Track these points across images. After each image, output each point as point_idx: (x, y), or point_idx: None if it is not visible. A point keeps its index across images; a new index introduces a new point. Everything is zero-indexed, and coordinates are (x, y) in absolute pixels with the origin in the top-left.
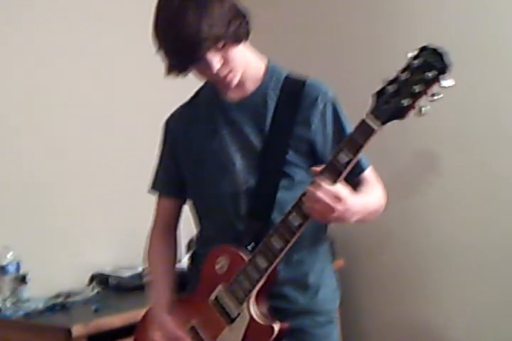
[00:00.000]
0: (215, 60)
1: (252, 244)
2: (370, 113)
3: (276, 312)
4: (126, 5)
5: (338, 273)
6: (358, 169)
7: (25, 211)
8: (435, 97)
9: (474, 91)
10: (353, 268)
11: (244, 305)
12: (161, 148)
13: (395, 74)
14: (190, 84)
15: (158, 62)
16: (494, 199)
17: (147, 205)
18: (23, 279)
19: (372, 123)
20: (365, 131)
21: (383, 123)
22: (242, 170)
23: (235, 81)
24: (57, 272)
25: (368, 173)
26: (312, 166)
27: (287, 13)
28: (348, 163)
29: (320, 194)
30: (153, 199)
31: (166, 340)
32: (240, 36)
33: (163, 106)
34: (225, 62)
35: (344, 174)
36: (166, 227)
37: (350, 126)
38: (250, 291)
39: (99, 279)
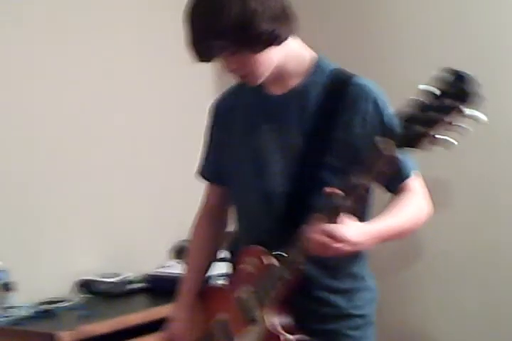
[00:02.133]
0: (226, 64)
1: (280, 251)
2: (382, 138)
3: (315, 316)
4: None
5: None
6: (399, 175)
7: (10, 219)
8: (460, 128)
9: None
10: None
11: (265, 310)
12: (210, 133)
13: (417, 98)
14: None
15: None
16: (485, 205)
17: (132, 212)
18: (10, 286)
19: (385, 149)
20: (377, 157)
21: (394, 150)
22: (280, 171)
23: (256, 82)
24: (42, 279)
25: (411, 182)
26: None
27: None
28: (357, 186)
29: (315, 235)
30: (138, 205)
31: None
32: (261, 45)
33: (161, 110)
34: (241, 65)
35: (350, 206)
36: (212, 215)
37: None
38: (269, 298)
39: (85, 286)
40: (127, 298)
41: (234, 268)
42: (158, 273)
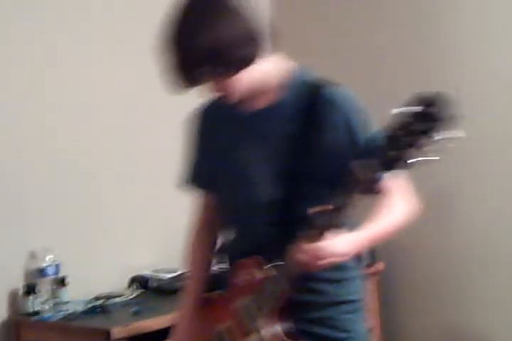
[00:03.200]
0: (204, 88)
1: (276, 262)
2: (358, 160)
3: (307, 306)
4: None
5: (377, 277)
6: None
7: (65, 213)
8: (443, 147)
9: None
10: (393, 272)
11: (258, 322)
12: (194, 142)
13: (389, 122)
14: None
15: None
16: None
17: (187, 207)
18: (62, 281)
19: (360, 172)
20: (353, 179)
21: (369, 174)
22: (263, 183)
23: (233, 101)
24: (96, 274)
25: (394, 182)
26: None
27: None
28: (341, 207)
29: (298, 256)
30: (192, 201)
31: None
32: (236, 67)
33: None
34: (220, 87)
35: (331, 224)
36: (208, 221)
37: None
38: (264, 309)
39: (139, 281)
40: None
41: (228, 278)
42: (213, 271)
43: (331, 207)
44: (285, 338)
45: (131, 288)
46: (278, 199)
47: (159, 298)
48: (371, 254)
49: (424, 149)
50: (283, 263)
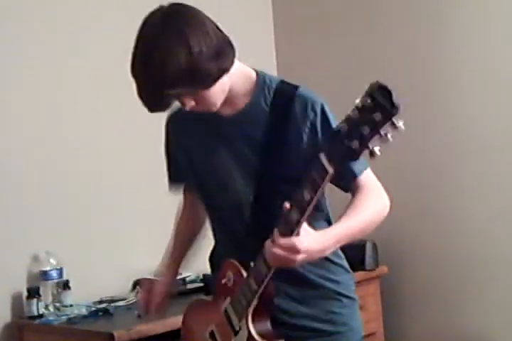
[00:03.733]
0: (184, 104)
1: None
2: (324, 153)
3: (309, 299)
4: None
5: (381, 281)
6: (350, 175)
7: (68, 217)
8: (387, 137)
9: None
10: (396, 275)
11: (243, 321)
12: (166, 146)
13: (348, 112)
14: None
15: None
16: None
17: None
18: (65, 285)
19: (326, 164)
20: (320, 172)
21: (335, 165)
22: (242, 184)
23: (213, 110)
24: (100, 278)
25: (364, 179)
26: None
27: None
28: (309, 201)
29: (275, 250)
30: None
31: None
32: (208, 82)
33: None
34: (198, 101)
35: (303, 219)
36: (193, 205)
37: None
38: (247, 309)
39: None
40: (185, 298)
41: (216, 280)
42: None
43: (303, 202)
44: (259, 339)
45: (134, 292)
46: (253, 201)
47: None
48: (374, 258)
49: (385, 137)
50: (260, 258)
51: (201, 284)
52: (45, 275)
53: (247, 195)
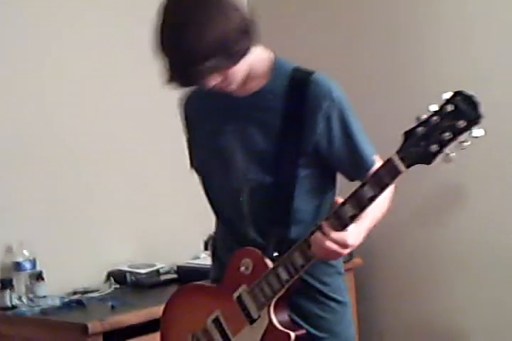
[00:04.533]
0: (210, 81)
1: (276, 253)
2: (397, 153)
3: (295, 299)
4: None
5: (354, 272)
6: (365, 166)
7: (41, 207)
8: (464, 144)
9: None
10: (370, 266)
11: (265, 309)
12: (185, 130)
13: (426, 115)
14: None
15: None
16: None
17: (164, 203)
18: (39, 276)
19: (399, 164)
20: (390, 171)
21: (408, 166)
22: (244, 167)
23: (233, 88)
24: (74, 269)
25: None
26: (323, 168)
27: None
28: (372, 198)
29: (328, 243)
30: (171, 195)
31: None
32: (237, 58)
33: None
34: (221, 79)
35: (360, 215)
36: None
37: (357, 129)
38: (272, 298)
39: (117, 276)
40: (159, 289)
41: (223, 267)
42: (190, 265)
43: (364, 198)
44: (281, 328)
45: (108, 283)
46: (261, 185)
47: (136, 293)
48: None
49: (461, 144)
50: (296, 248)
51: (175, 275)
52: (18, 266)
53: (249, 180)
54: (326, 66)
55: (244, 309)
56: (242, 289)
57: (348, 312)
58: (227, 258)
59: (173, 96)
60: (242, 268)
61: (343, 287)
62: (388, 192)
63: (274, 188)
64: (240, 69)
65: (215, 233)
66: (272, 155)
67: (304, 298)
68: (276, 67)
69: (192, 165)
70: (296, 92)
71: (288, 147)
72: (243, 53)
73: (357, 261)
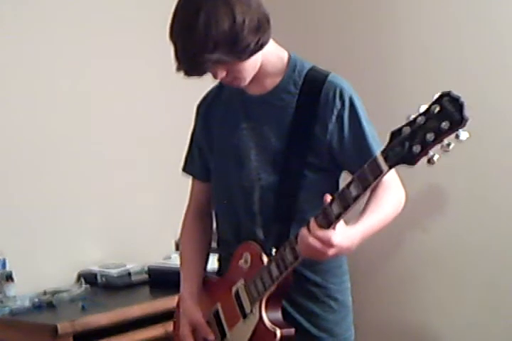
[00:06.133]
0: (216, 74)
1: (273, 249)
2: (381, 153)
3: (295, 296)
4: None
5: None
6: None
7: (10, 207)
8: (449, 147)
9: (489, 128)
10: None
11: (257, 305)
12: (193, 130)
13: (414, 116)
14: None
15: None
16: (487, 203)
17: (135, 203)
18: (8, 276)
19: (382, 164)
20: (373, 171)
21: (391, 166)
22: (257, 166)
23: (242, 85)
24: (44, 269)
25: None
26: (333, 168)
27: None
28: (355, 197)
29: (311, 240)
30: (142, 195)
31: (189, 327)
32: (245, 54)
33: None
34: (229, 73)
35: (344, 214)
36: (199, 211)
37: (369, 130)
38: (263, 293)
39: (87, 277)
40: (130, 290)
41: (226, 261)
42: (161, 266)
43: (349, 197)
44: (268, 325)
45: (78, 284)
46: (271, 184)
47: (107, 294)
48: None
49: (445, 146)
50: (287, 245)
51: (146, 276)
52: None
53: (261, 179)
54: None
55: (240, 303)
56: (240, 283)
57: (349, 314)
58: (229, 252)
59: (154, 101)
60: (242, 262)
61: (347, 288)
62: (396, 201)
63: (281, 186)
64: (250, 66)
65: (219, 232)
66: (282, 153)
67: (306, 296)
68: (291, 65)
69: (185, 169)
70: (310, 92)
71: (298, 146)
72: (252, 50)
73: None
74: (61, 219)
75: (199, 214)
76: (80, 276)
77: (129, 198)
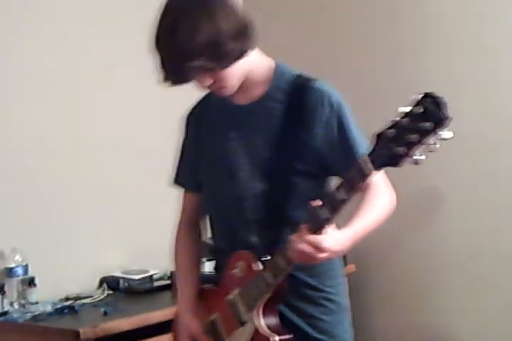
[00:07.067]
0: (201, 81)
1: (267, 256)
2: (367, 155)
3: (292, 300)
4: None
5: (348, 279)
6: None
7: (34, 213)
8: (433, 147)
9: (485, 130)
10: (363, 273)
11: (253, 313)
12: (182, 141)
13: (398, 117)
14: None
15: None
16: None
17: (158, 208)
18: (31, 281)
19: (368, 166)
20: (360, 173)
21: (377, 168)
22: (248, 176)
23: (228, 93)
24: (66, 274)
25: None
26: (322, 175)
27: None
28: (343, 201)
29: (301, 246)
30: (164, 201)
31: (189, 340)
32: (228, 61)
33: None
34: (215, 81)
35: (333, 218)
36: (192, 221)
37: (356, 134)
38: (259, 300)
39: (109, 282)
40: (151, 296)
41: (222, 271)
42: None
43: (337, 200)
44: (264, 331)
45: (100, 289)
46: (263, 192)
47: (129, 299)
48: (342, 256)
49: (429, 146)
50: (279, 252)
51: (168, 282)
52: (10, 272)
53: (252, 187)
54: (313, 66)
55: (236, 312)
56: (235, 292)
57: (347, 316)
58: (225, 261)
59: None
60: (237, 271)
61: (344, 290)
62: (387, 203)
63: (272, 194)
64: (234, 73)
65: (214, 241)
66: (271, 161)
67: (304, 299)
68: (277, 74)
69: (176, 180)
70: (297, 99)
71: (287, 153)
72: (236, 57)
73: (351, 267)
74: (84, 225)
75: (191, 225)
76: (102, 282)
77: (153, 203)
